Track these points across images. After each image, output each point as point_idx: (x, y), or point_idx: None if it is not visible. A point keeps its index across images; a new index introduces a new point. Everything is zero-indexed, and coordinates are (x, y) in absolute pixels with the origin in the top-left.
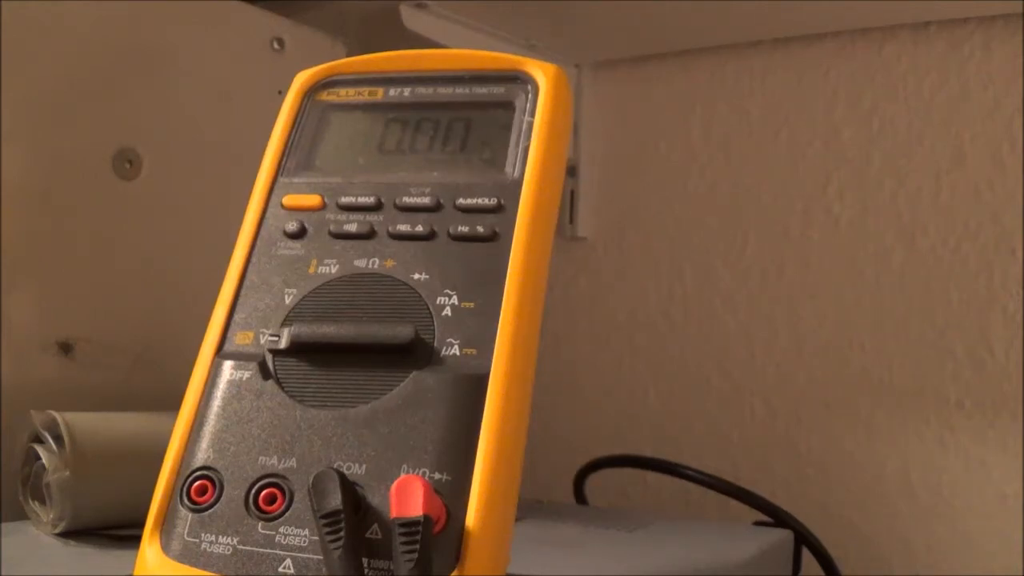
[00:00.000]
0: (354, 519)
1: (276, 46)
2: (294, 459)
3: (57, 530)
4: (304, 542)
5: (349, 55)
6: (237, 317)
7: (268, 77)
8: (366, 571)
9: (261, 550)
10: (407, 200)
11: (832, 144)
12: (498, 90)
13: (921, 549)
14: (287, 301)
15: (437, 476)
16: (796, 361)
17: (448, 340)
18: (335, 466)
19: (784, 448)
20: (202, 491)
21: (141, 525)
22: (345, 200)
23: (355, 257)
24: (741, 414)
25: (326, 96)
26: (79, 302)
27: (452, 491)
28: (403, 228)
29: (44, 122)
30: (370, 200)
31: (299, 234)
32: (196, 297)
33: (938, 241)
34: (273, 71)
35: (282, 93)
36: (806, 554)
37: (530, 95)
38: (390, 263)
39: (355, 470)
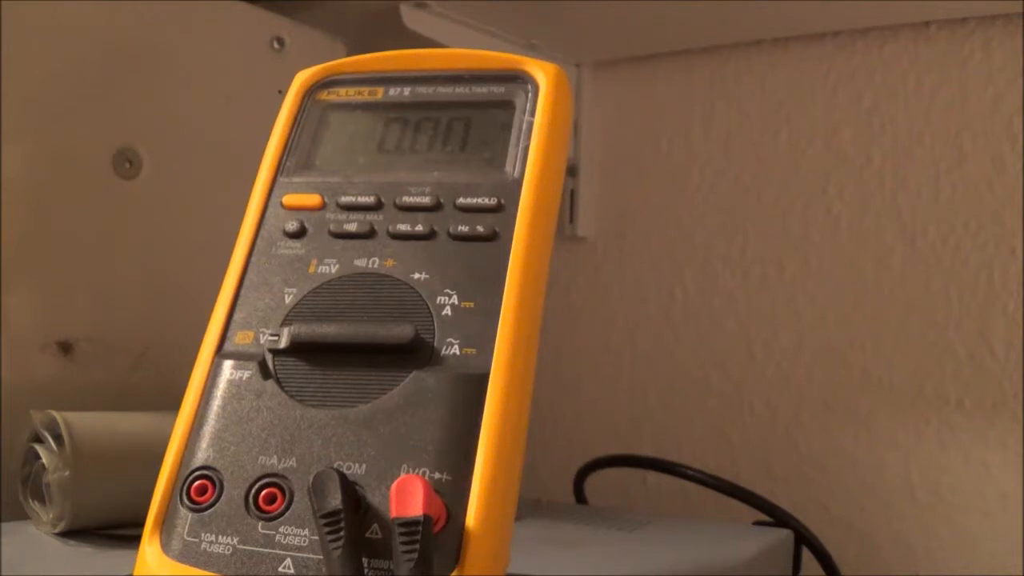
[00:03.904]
0: (354, 519)
1: (276, 46)
2: (294, 459)
3: (57, 530)
4: (304, 542)
5: (349, 55)
6: (237, 316)
7: (268, 77)
8: (366, 571)
9: (261, 550)
10: (407, 200)
11: (832, 144)
12: (498, 89)
13: (921, 549)
14: (287, 301)
15: (437, 476)
16: (796, 361)
17: (448, 340)
18: (335, 466)
19: (784, 448)
20: (202, 491)
21: (141, 525)
22: (345, 200)
23: (355, 257)
24: (741, 414)
25: (326, 96)
26: (79, 302)
27: (452, 491)
28: (403, 228)
29: (44, 122)
30: (370, 200)
31: (299, 233)
32: (196, 297)
33: (938, 241)
34: (273, 71)
35: (282, 93)
36: (806, 554)
37: (530, 95)
38: (390, 263)
39: (355, 470)
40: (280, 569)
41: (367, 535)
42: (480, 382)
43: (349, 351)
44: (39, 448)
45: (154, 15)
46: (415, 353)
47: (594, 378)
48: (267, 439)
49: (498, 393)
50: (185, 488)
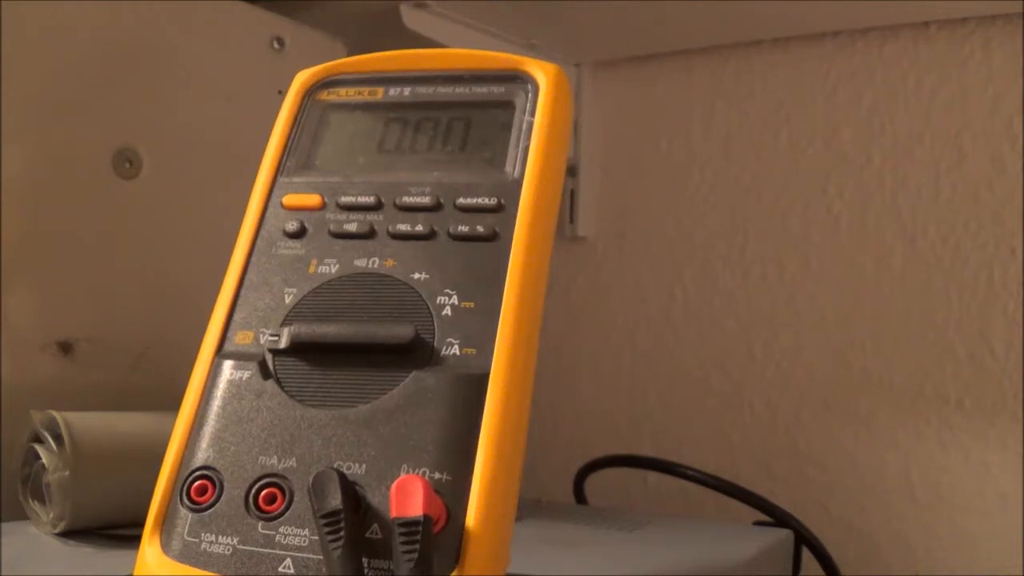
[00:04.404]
0: (354, 519)
1: (276, 46)
2: (294, 459)
3: (57, 530)
4: (304, 542)
5: (349, 55)
6: (237, 317)
7: (268, 77)
8: (366, 571)
9: (261, 550)
10: (407, 200)
11: (832, 143)
12: (498, 89)
13: (921, 549)
14: (287, 301)
15: (437, 476)
16: (796, 361)
17: (448, 340)
18: (335, 466)
19: (784, 448)
20: (202, 491)
21: (141, 525)
22: (345, 200)
23: (355, 257)
24: (741, 414)
25: (326, 96)
26: (79, 302)
27: (452, 491)
28: (403, 228)
29: (44, 122)
30: (370, 200)
31: (299, 234)
32: (196, 297)
33: (938, 241)
34: (273, 71)
35: (282, 93)
36: (806, 554)
37: (530, 95)
38: (390, 263)
39: (355, 470)
40: (280, 569)
41: (367, 535)
42: (480, 382)
43: (349, 351)
44: (39, 448)
45: (154, 15)
46: (415, 353)
47: (594, 378)
48: (267, 439)
49: (498, 393)
50: (185, 488)
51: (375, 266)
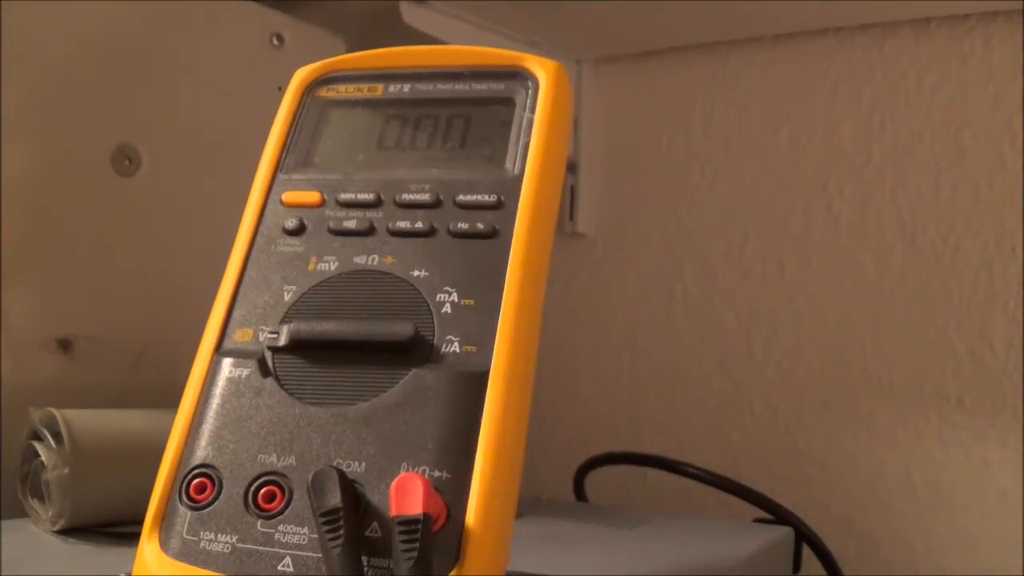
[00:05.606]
0: (353, 517)
1: (276, 42)
2: (293, 457)
3: (56, 528)
4: (303, 540)
5: (349, 51)
6: (236, 314)
7: (268, 73)
8: (366, 569)
9: (260, 548)
10: (407, 197)
11: (833, 141)
12: (498, 86)
13: (921, 548)
14: (286, 298)
15: (437, 474)
16: (796, 360)
17: (448, 337)
18: (334, 464)
19: (784, 448)
20: (201, 489)
21: (140, 523)
22: (344, 197)
23: (355, 254)
24: (741, 414)
25: (326, 92)
26: (79, 300)
27: (452, 489)
28: (403, 225)
29: (44, 120)
30: (370, 197)
31: (298, 231)
32: (196, 295)
33: (938, 239)
34: (273, 67)
35: (282, 89)
36: (807, 552)
37: (530, 91)
38: (390, 260)
39: (355, 468)
40: (279, 568)
41: (367, 533)
42: (480, 380)
43: (348, 349)
44: (38, 446)
45: (154, 13)
46: (415, 351)
47: (594, 376)
48: (266, 437)
49: (498, 391)
50: (184, 486)
51: (375, 263)
